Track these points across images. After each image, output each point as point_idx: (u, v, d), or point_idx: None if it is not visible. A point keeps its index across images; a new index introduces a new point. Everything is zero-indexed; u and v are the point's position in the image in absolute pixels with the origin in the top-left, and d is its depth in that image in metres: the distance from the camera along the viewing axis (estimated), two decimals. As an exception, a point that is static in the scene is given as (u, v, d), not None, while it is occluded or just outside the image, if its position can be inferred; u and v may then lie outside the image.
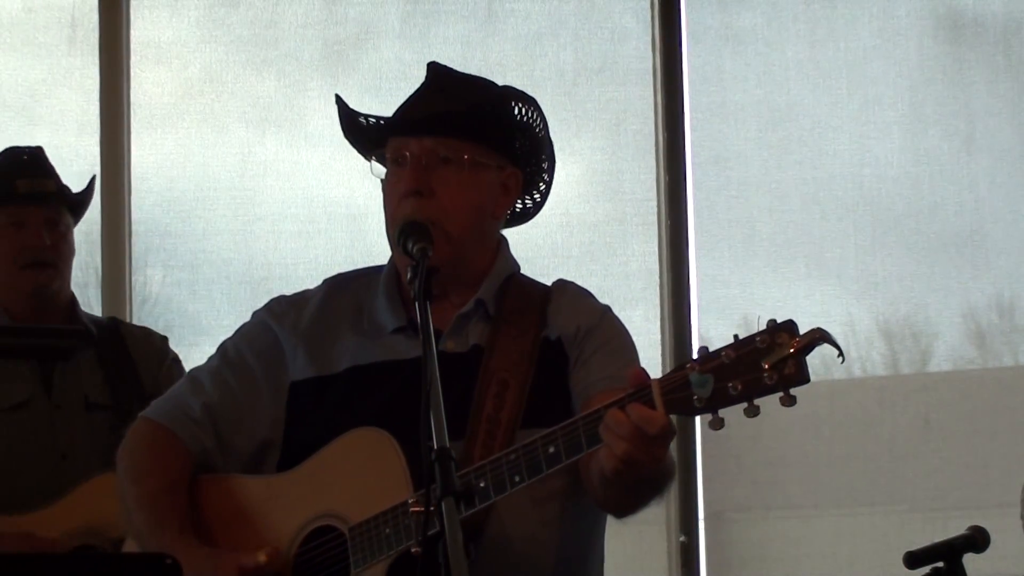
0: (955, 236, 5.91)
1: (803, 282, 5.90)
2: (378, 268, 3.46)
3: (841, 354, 2.73)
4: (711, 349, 2.81)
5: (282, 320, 3.42)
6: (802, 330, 2.75)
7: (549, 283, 3.46)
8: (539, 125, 3.38)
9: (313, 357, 3.36)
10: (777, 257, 5.96)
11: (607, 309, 3.39)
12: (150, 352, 4.64)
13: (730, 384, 2.77)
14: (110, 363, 4.55)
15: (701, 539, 5.78)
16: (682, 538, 5.75)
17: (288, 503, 3.24)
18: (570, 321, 3.33)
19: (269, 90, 6.07)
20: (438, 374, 2.78)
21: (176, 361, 4.69)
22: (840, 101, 5.99)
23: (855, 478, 5.79)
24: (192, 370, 3.50)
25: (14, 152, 4.61)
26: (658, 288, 5.87)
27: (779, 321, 2.77)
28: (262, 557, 3.18)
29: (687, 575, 5.75)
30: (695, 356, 2.82)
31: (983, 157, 5.93)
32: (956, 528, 3.46)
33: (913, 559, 3.38)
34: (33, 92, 6.05)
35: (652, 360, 5.78)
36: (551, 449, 2.94)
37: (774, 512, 5.88)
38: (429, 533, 2.68)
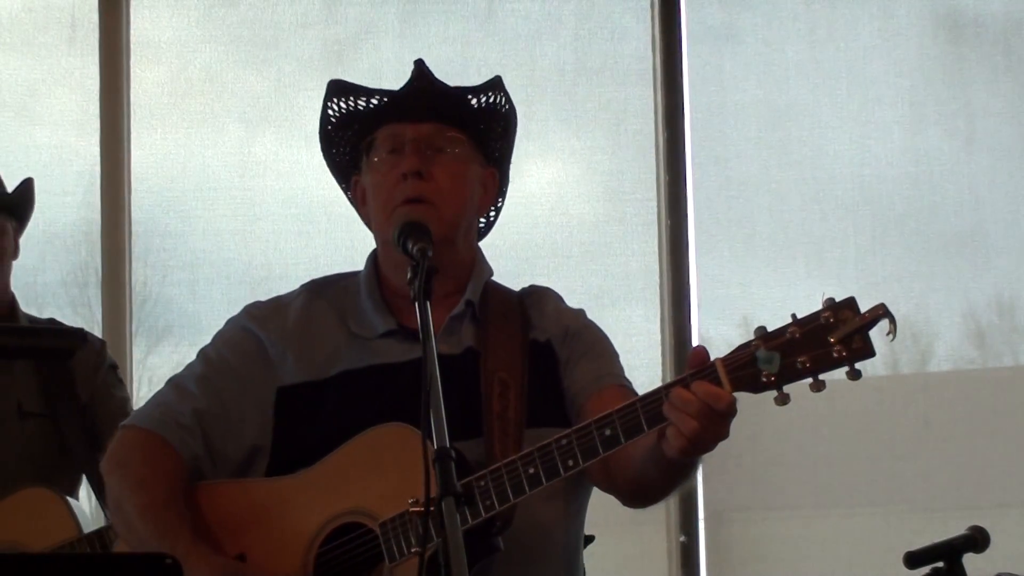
0: (955, 236, 5.91)
1: (803, 282, 5.90)
2: (355, 272, 3.48)
3: (892, 331, 2.81)
4: (770, 328, 2.88)
5: (265, 325, 3.41)
6: (863, 306, 2.86)
7: (551, 285, 3.52)
8: (513, 120, 3.43)
9: (302, 362, 3.35)
10: (777, 257, 5.96)
11: (583, 311, 3.46)
12: (88, 358, 4.53)
13: (798, 360, 2.86)
14: (47, 369, 4.47)
15: (701, 539, 5.78)
16: (682, 538, 5.75)
17: (304, 504, 3.21)
18: (556, 324, 3.39)
19: (269, 89, 6.06)
20: (438, 375, 2.78)
21: (113, 368, 4.61)
22: (840, 101, 5.99)
23: (855, 478, 5.79)
24: (173, 377, 3.44)
25: None
26: (658, 288, 5.87)
27: (837, 299, 2.88)
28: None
29: (687, 575, 5.75)
30: (755, 335, 2.88)
31: (983, 157, 5.93)
32: (956, 528, 3.46)
33: (913, 559, 3.38)
34: (33, 92, 6.05)
35: (652, 360, 5.78)
36: (607, 432, 2.96)
37: (774, 512, 5.88)
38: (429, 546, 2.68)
